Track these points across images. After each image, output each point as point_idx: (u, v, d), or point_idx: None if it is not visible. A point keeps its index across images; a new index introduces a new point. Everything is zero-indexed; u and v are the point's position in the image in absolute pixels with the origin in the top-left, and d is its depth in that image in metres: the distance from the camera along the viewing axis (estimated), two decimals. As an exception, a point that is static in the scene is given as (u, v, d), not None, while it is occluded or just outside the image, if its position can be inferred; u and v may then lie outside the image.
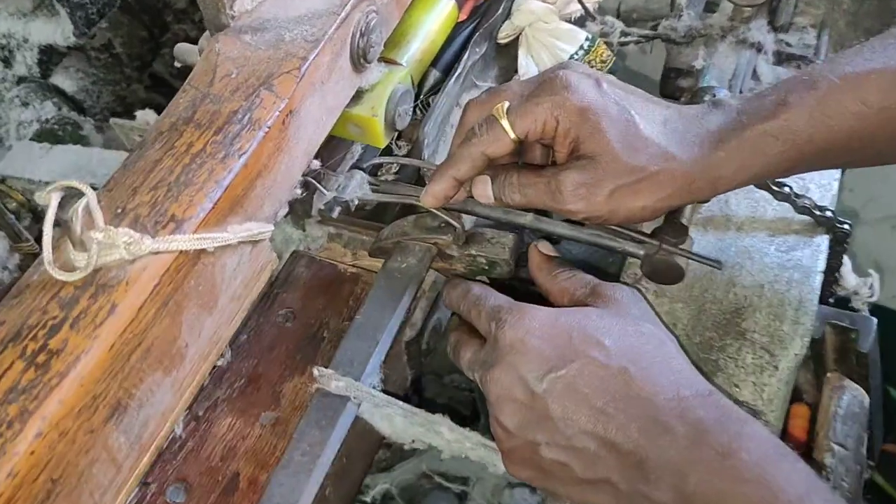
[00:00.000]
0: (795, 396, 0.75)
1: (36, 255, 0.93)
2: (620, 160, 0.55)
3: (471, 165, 0.61)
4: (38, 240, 1.05)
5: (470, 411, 1.19)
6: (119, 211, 0.51)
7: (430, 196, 0.63)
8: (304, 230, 0.80)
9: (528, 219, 0.67)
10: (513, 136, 0.58)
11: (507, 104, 0.59)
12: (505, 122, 0.58)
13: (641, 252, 0.64)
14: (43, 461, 0.44)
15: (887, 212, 1.96)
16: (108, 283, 0.48)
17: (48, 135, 1.18)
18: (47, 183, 1.08)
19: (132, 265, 0.49)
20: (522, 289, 1.04)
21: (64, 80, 1.27)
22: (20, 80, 1.27)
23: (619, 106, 0.56)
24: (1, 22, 1.17)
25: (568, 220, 0.67)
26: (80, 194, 0.50)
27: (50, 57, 1.25)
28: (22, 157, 1.11)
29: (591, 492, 0.51)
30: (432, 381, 1.22)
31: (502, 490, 1.03)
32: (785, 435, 0.73)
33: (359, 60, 0.66)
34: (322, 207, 0.78)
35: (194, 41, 1.46)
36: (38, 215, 1.10)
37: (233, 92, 0.58)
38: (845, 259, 0.88)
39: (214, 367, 0.68)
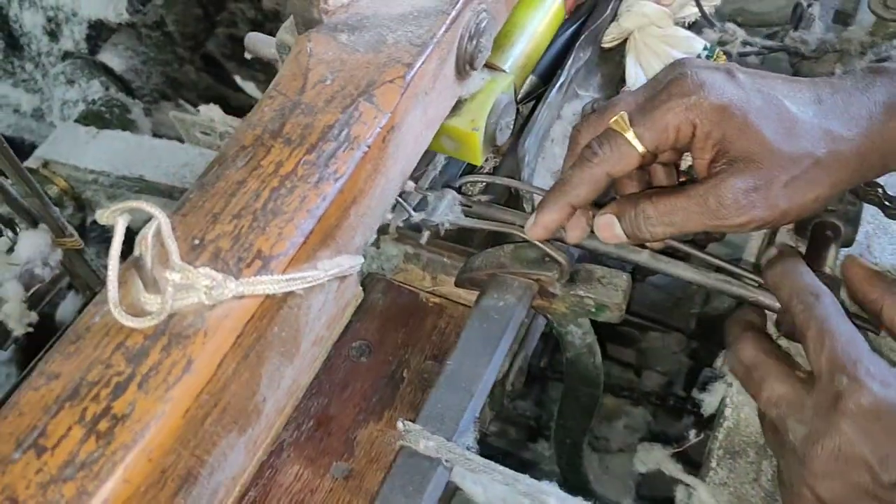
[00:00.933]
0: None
1: (80, 250, 0.86)
2: (782, 152, 0.48)
3: (591, 189, 0.52)
4: (82, 233, 0.97)
5: (525, 436, 1.11)
6: (196, 243, 0.43)
7: (540, 227, 0.55)
8: (377, 247, 0.72)
9: (643, 256, 0.58)
10: (641, 149, 0.50)
11: (626, 115, 0.50)
12: (630, 135, 0.50)
13: (778, 305, 0.55)
14: (101, 554, 0.36)
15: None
16: (184, 333, 0.40)
17: (94, 117, 1.11)
18: (94, 171, 1.00)
19: (211, 311, 0.41)
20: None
21: (112, 57, 1.19)
22: (66, 55, 1.20)
23: (763, 94, 0.50)
24: (49, -7, 1.09)
25: (676, 257, 0.58)
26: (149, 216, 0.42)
27: (99, 33, 1.17)
28: (67, 140, 1.04)
29: None
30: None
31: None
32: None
33: (464, 67, 0.57)
34: (400, 224, 0.70)
35: (252, 22, 1.38)
36: (81, 203, 1.03)
37: (328, 102, 0.49)
38: None
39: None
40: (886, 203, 0.60)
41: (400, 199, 0.64)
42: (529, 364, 1.09)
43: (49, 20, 1.15)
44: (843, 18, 0.80)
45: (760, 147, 0.49)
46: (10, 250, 0.90)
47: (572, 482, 0.87)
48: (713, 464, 0.55)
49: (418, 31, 0.53)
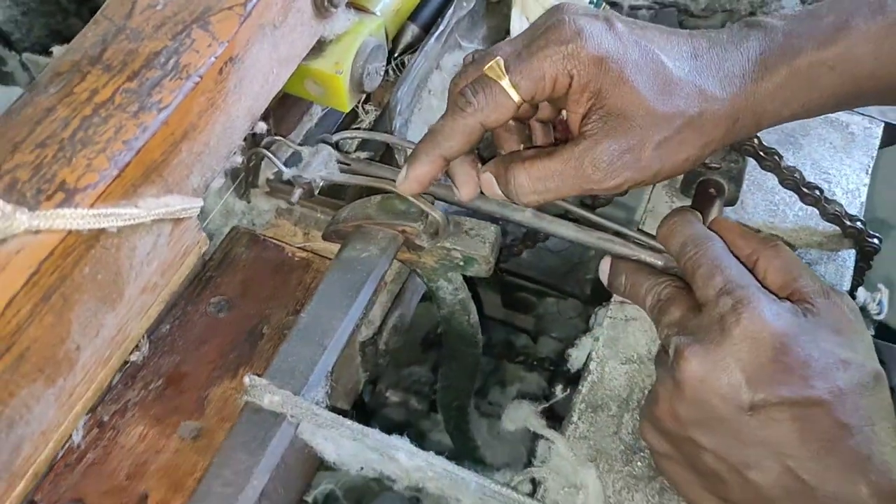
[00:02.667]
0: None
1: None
2: (656, 112, 0.47)
3: (464, 140, 0.50)
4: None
5: (427, 407, 1.09)
6: (-9, 173, 0.39)
7: (412, 180, 0.52)
8: (248, 202, 0.69)
9: (526, 215, 0.56)
10: (517, 98, 0.48)
11: (502, 61, 0.48)
12: (506, 83, 0.47)
13: (660, 263, 0.54)
14: None
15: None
16: (-31, 268, 0.36)
17: (-33, 70, 1.03)
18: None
19: (2, 246, 0.37)
20: (494, 275, 0.93)
21: (-10, 8, 1.11)
22: (-61, 4, 1.11)
23: (641, 47, 0.48)
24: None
25: (566, 217, 0.57)
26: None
27: (-26, -20, 1.09)
28: (-68, 92, 0.96)
29: None
30: (390, 371, 1.11)
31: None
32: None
33: (324, 2, 0.54)
34: (271, 177, 0.66)
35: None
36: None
37: (156, 28, 0.45)
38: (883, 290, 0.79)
39: (127, 363, 0.56)
40: (762, 154, 0.59)
41: (268, 153, 0.60)
42: (428, 332, 1.07)
43: (-84, -36, 1.07)
44: (733, -22, 0.79)
45: (635, 105, 0.47)
46: None
47: (460, 448, 0.85)
48: (574, 418, 0.54)
49: (264, -43, 0.49)
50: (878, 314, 0.79)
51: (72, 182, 0.39)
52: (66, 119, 0.41)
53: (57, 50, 0.74)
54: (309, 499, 0.98)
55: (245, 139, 0.56)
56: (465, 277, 0.62)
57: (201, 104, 0.45)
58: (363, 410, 1.04)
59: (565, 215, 0.57)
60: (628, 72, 0.47)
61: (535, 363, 0.96)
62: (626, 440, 0.53)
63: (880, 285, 0.81)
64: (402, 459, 0.49)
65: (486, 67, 0.49)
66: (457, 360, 0.71)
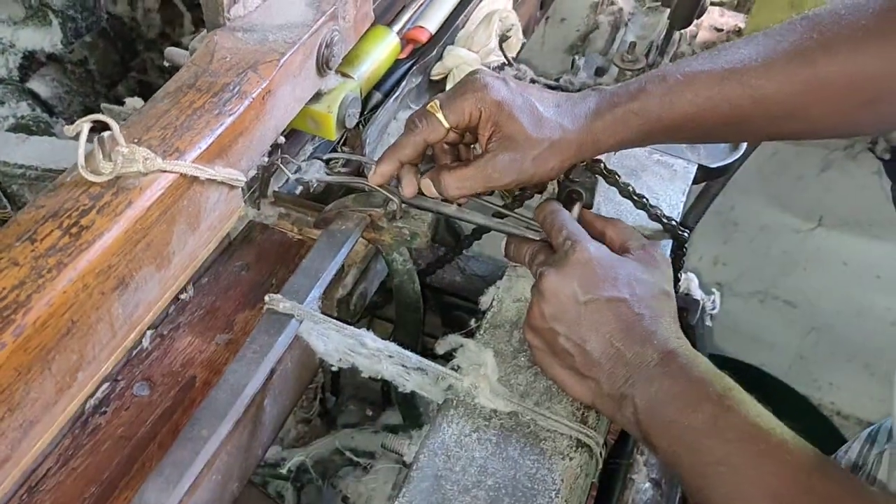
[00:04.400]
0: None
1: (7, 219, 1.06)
2: (532, 136, 0.75)
3: (413, 150, 0.80)
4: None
5: (379, 400, 1.34)
6: (136, 140, 0.67)
7: (378, 175, 0.82)
8: (258, 209, 0.97)
9: (451, 209, 0.86)
10: (446, 124, 0.77)
11: (437, 102, 0.79)
12: (439, 114, 0.77)
13: (538, 238, 0.84)
14: (69, 302, 0.58)
15: (757, 286, 2.25)
16: (127, 187, 0.64)
17: (22, 129, 1.32)
18: (22, 166, 1.21)
19: (145, 177, 0.65)
20: (435, 298, 1.23)
21: (40, 85, 1.41)
22: (-2, 81, 1.40)
23: (523, 97, 0.76)
24: (-9, 27, 1.31)
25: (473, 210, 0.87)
26: (105, 128, 0.66)
27: (30, 64, 1.39)
28: (-2, 144, 1.23)
29: (577, 382, 0.73)
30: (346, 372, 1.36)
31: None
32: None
33: (322, 66, 0.85)
34: (277, 189, 0.95)
35: (160, 69, 1.64)
36: (8, 196, 1.22)
37: (227, 70, 0.75)
38: (692, 276, 1.10)
39: (178, 299, 0.83)
40: (606, 173, 0.91)
41: (281, 165, 0.90)
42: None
43: (-14, 50, 1.36)
44: (600, 71, 1.14)
45: (519, 132, 0.75)
46: (-50, 218, 1.08)
47: (405, 411, 1.10)
48: (481, 332, 0.82)
49: (290, 35, 0.80)
50: (714, 310, 1.11)
51: (182, 148, 0.68)
52: (177, 116, 0.70)
53: (129, 101, 1.04)
54: (283, 470, 1.22)
55: (269, 150, 0.85)
56: (410, 255, 0.91)
57: (251, 116, 0.75)
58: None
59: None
60: (516, 111, 0.75)
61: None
62: (514, 345, 0.81)
63: (714, 289, 1.13)
64: (369, 343, 0.75)
65: (427, 105, 0.80)
66: (405, 327, 0.99)
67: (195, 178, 0.69)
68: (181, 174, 0.67)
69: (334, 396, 1.40)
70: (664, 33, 1.12)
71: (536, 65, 1.13)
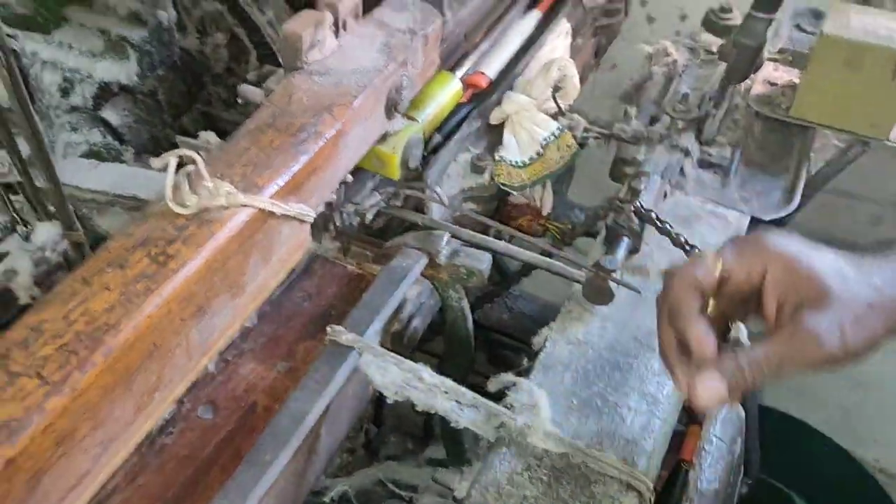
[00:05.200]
0: (693, 419, 0.96)
1: (81, 244, 1.11)
2: (843, 296, 0.57)
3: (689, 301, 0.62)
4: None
5: (421, 434, 1.36)
6: (219, 175, 0.71)
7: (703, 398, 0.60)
8: (320, 242, 1.01)
9: (500, 245, 0.89)
10: (716, 273, 0.61)
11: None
12: (716, 262, 0.61)
13: (584, 278, 0.86)
14: (153, 327, 0.62)
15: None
16: (210, 219, 0.68)
17: (94, 155, 1.38)
18: (93, 191, 1.27)
19: (227, 211, 0.69)
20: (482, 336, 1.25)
21: (111, 114, 1.48)
22: (72, 108, 1.48)
23: (818, 251, 0.60)
24: (72, 58, 1.38)
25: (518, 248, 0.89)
26: (191, 162, 0.71)
27: (104, 94, 1.46)
28: (71, 169, 1.30)
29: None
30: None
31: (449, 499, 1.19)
32: (679, 451, 0.93)
33: (391, 109, 0.89)
34: (338, 224, 0.99)
35: (224, 102, 1.70)
36: (78, 218, 1.28)
37: (303, 111, 0.79)
38: (741, 326, 1.11)
39: (243, 327, 0.86)
40: (657, 222, 0.93)
41: (344, 200, 0.93)
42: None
43: (65, 80, 1.44)
44: (653, 121, 1.16)
45: (826, 291, 0.57)
46: (27, 238, 1.14)
47: (450, 447, 1.12)
48: (534, 374, 0.84)
49: (363, 79, 0.84)
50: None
51: (261, 184, 0.72)
52: (256, 153, 0.74)
53: (203, 134, 1.09)
54: (326, 499, 1.24)
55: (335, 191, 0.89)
56: (466, 294, 0.94)
57: (324, 155, 0.79)
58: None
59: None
60: (816, 266, 0.58)
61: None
62: (566, 386, 0.82)
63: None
64: (426, 377, 0.78)
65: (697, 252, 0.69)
66: (454, 362, 1.01)
67: (271, 213, 0.72)
68: (259, 209, 0.70)
69: (377, 427, 1.42)
70: (718, 85, 1.14)
71: (587, 111, 1.15)
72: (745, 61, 1.07)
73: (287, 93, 0.81)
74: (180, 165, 0.70)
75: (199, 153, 0.69)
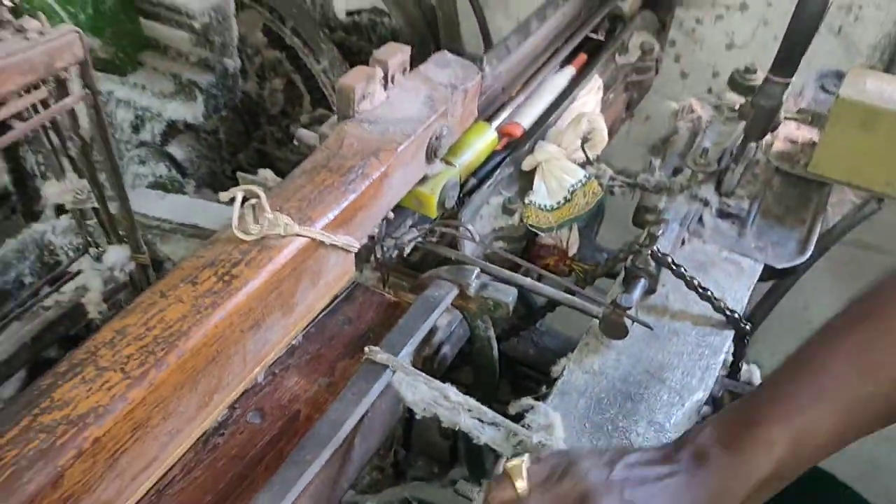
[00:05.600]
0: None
1: (146, 265, 1.22)
2: None
3: None
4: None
5: (447, 459, 1.43)
6: (278, 208, 0.82)
7: None
8: (361, 272, 1.10)
9: (526, 281, 0.97)
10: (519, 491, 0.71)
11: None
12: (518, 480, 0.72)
13: (602, 313, 0.94)
14: (217, 336, 0.72)
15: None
16: (269, 246, 0.78)
17: (160, 187, 1.51)
18: (158, 219, 1.39)
19: (284, 239, 0.79)
20: (508, 366, 1.33)
21: (176, 150, 1.61)
22: (141, 143, 1.62)
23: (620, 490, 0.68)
24: (144, 98, 1.53)
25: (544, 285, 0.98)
26: (255, 196, 0.81)
27: (170, 131, 1.60)
28: (140, 199, 1.43)
29: None
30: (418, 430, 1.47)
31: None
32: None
33: (431, 155, 0.99)
34: (378, 256, 1.09)
35: (278, 141, 1.84)
36: (145, 243, 1.40)
37: (353, 155, 0.90)
38: (754, 367, 1.17)
39: (290, 344, 0.96)
40: (673, 267, 1.01)
41: (382, 229, 1.03)
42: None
43: (136, 117, 1.58)
44: (675, 172, 1.25)
45: None
46: (98, 259, 1.26)
47: (472, 467, 1.19)
48: (551, 398, 0.91)
49: (407, 128, 0.95)
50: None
51: (314, 217, 0.82)
52: (311, 190, 0.85)
53: (262, 171, 1.20)
54: (355, 515, 1.31)
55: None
56: (494, 325, 1.02)
57: (370, 194, 0.89)
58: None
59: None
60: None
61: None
62: (580, 411, 0.90)
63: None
64: (451, 396, 0.86)
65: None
66: (480, 387, 1.09)
67: (321, 243, 0.82)
68: (311, 238, 0.81)
69: (405, 450, 1.50)
70: (739, 142, 1.23)
71: (619, 159, 1.24)
72: (761, 121, 1.15)
73: (339, 138, 0.92)
74: (245, 199, 0.81)
75: (260, 188, 0.80)
